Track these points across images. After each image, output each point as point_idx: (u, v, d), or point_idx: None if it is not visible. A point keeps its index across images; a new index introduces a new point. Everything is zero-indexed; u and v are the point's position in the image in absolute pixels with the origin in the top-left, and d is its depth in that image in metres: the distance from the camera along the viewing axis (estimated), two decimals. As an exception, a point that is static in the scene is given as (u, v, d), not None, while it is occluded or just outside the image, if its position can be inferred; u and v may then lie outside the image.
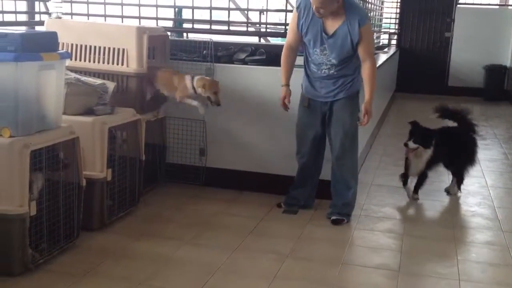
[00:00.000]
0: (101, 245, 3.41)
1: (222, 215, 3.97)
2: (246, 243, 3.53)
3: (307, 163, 3.99)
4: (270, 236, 3.67)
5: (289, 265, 3.24)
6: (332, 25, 3.62)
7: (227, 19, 4.91)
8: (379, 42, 10.41)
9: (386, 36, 10.97)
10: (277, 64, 3.89)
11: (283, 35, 5.04)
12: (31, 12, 4.77)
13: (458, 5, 10.69)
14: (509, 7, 10.79)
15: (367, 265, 3.31)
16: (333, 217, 3.88)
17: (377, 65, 6.63)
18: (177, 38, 4.89)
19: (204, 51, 4.39)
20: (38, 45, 2.98)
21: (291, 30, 3.80)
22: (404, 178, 4.63)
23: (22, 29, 4.41)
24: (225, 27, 4.96)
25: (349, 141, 3.83)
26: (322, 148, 3.98)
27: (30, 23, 4.72)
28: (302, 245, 3.53)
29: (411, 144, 4.40)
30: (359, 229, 3.83)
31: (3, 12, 4.39)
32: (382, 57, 7.94)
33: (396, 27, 11.08)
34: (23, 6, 4.73)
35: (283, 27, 4.86)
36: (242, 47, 4.65)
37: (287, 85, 3.83)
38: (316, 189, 4.10)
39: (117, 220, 3.73)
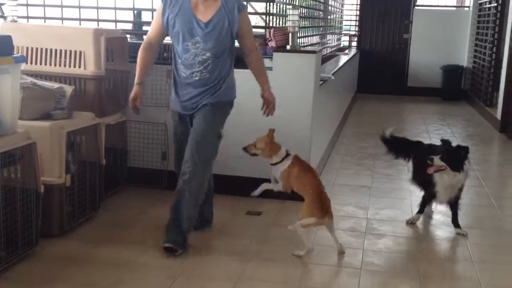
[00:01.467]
0: (61, 252, 3.34)
1: (185, 218, 3.93)
2: (211, 246, 3.53)
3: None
4: (235, 238, 3.67)
5: (253, 266, 3.25)
6: (206, 13, 3.31)
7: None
8: (340, 44, 10.57)
9: (347, 38, 11.17)
10: (242, 66, 3.70)
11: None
12: (-15, 15, 4.65)
13: (415, 7, 10.93)
14: (465, 8, 11.06)
15: (330, 264, 3.34)
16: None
17: (338, 66, 6.80)
18: (137, 41, 4.84)
19: (165, 54, 4.36)
20: (-8, 49, 2.91)
21: (153, 25, 3.45)
22: (424, 205, 4.02)
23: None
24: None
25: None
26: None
27: (-16, 27, 4.59)
28: (266, 246, 3.54)
29: (437, 161, 3.70)
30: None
31: (-45, 15, 4.27)
32: (343, 59, 8.04)
33: (356, 29, 11.26)
34: (-23, 10, 4.61)
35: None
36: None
37: (140, 83, 3.44)
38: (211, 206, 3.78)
39: (77, 226, 3.66)
